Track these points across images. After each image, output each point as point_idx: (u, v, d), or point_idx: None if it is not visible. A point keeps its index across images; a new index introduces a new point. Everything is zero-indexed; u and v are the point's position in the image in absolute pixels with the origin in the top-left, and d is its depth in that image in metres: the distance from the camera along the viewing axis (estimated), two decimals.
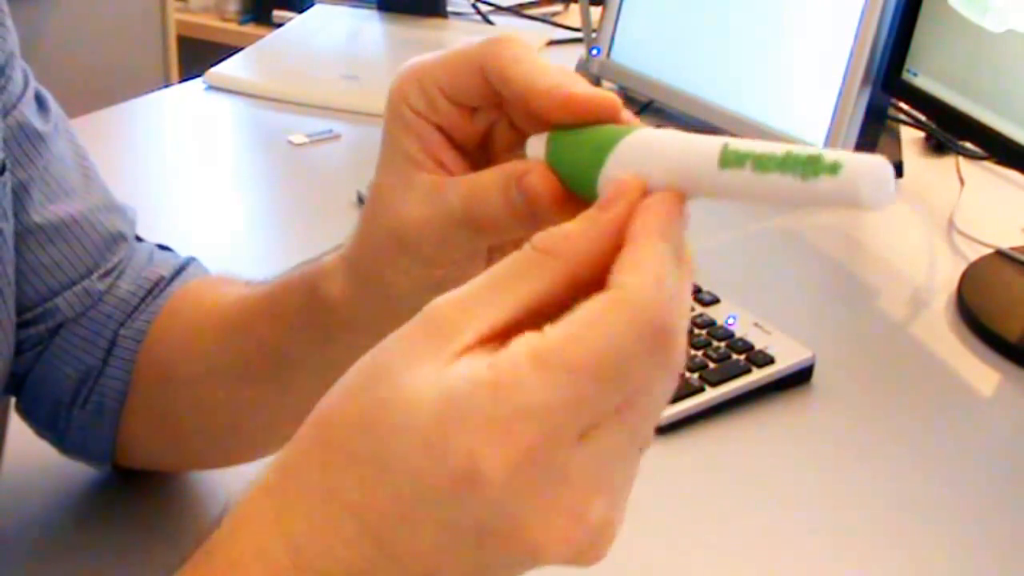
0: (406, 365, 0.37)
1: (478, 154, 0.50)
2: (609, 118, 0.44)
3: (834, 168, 0.36)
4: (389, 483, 0.37)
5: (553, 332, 0.36)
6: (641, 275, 0.36)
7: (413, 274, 0.50)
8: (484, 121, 0.49)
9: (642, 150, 0.41)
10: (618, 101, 0.44)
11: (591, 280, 0.38)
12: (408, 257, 0.50)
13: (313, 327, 0.58)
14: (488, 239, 0.48)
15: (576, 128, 0.44)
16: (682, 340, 0.37)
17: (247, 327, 0.62)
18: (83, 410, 0.68)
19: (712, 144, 0.39)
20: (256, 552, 0.38)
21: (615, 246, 0.38)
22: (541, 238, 0.39)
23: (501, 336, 0.37)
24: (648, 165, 0.41)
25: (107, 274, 0.68)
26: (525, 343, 0.36)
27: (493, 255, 0.50)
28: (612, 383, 0.36)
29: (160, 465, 0.74)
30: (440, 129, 0.49)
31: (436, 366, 0.37)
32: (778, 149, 0.38)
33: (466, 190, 0.47)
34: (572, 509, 0.36)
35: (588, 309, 0.36)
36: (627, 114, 0.44)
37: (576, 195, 0.44)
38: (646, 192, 0.39)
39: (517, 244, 0.43)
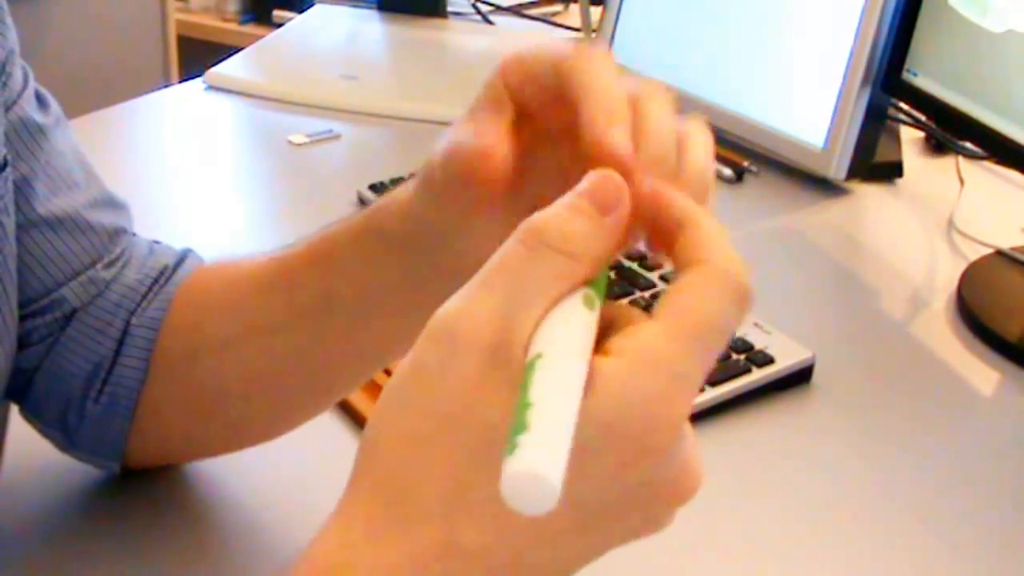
0: (488, 404, 0.39)
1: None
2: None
3: (510, 447, 0.35)
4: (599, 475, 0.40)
5: (670, 309, 0.40)
6: (721, 249, 0.42)
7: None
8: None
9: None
10: (627, 165, 0.44)
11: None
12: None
13: (365, 258, 0.60)
14: None
15: None
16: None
17: (289, 273, 0.64)
18: (96, 403, 0.68)
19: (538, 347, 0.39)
20: None
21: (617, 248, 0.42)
22: (566, 240, 0.40)
23: None
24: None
25: (111, 264, 0.69)
26: (650, 327, 0.40)
27: None
28: (724, 342, 0.41)
29: (177, 454, 0.74)
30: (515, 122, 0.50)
31: (513, 387, 0.38)
32: (533, 394, 0.37)
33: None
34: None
35: (694, 284, 0.41)
36: (646, 182, 0.44)
37: None
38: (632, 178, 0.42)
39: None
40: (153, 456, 0.72)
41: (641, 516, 0.43)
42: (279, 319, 0.64)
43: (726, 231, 0.42)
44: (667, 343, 0.39)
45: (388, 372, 0.83)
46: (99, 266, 0.68)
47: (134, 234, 0.72)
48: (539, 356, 0.38)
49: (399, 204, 0.59)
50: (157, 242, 0.73)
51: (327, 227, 0.62)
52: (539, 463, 0.35)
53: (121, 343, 0.68)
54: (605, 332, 0.41)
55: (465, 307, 0.40)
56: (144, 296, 0.69)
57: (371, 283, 0.60)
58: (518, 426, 0.36)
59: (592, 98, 0.46)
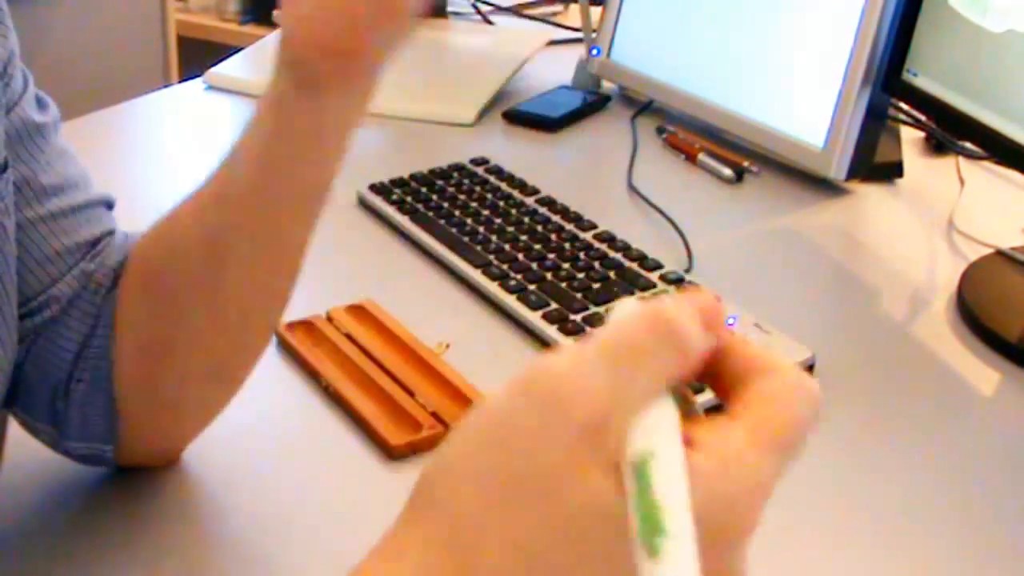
0: (574, 483, 0.37)
1: None
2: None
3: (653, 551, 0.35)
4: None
5: (754, 413, 0.40)
6: (783, 359, 0.41)
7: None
8: None
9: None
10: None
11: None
12: None
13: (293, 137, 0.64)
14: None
15: None
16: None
17: (225, 182, 0.67)
18: (80, 383, 0.69)
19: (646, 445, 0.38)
20: None
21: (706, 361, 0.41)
22: (682, 336, 0.39)
23: None
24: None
25: (95, 256, 0.70)
26: (735, 429, 0.39)
27: None
28: (802, 449, 0.41)
29: (161, 436, 0.74)
30: None
31: (605, 472, 0.37)
32: (659, 497, 0.36)
33: None
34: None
35: (775, 391, 0.40)
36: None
37: None
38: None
39: None
40: (143, 442, 0.72)
41: None
42: (222, 214, 0.67)
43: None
44: (753, 448, 0.39)
45: (395, 379, 0.83)
46: (85, 260, 0.69)
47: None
48: (652, 455, 0.37)
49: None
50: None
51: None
52: (688, 571, 0.36)
53: (97, 318, 0.69)
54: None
55: (576, 372, 0.37)
56: (119, 276, 0.70)
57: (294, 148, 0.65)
58: (653, 528, 0.36)
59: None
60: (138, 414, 0.71)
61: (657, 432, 0.38)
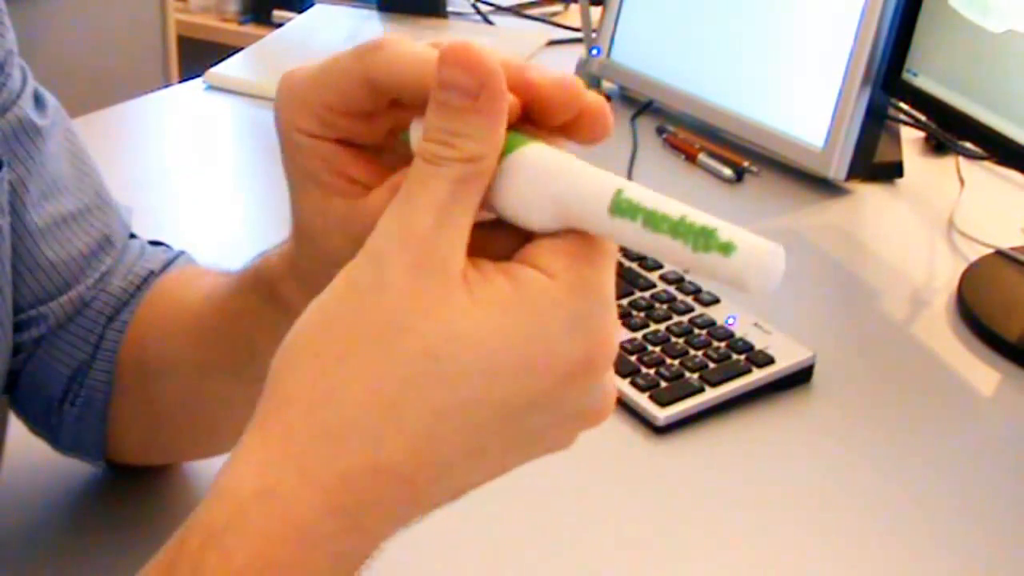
0: (424, 315, 0.38)
1: (393, 146, 0.48)
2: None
3: (726, 248, 0.35)
4: (478, 421, 0.39)
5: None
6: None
7: None
8: (386, 120, 0.46)
9: (533, 168, 0.40)
10: (504, 105, 0.41)
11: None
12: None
13: (275, 321, 0.57)
14: None
15: None
16: None
17: (216, 323, 0.62)
18: (73, 407, 0.68)
19: (607, 186, 0.38)
20: (260, 487, 0.38)
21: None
22: (460, 148, 0.39)
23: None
24: (536, 185, 0.39)
25: (96, 282, 0.68)
26: (562, 255, 0.40)
27: None
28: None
29: (150, 458, 0.74)
30: (342, 142, 0.46)
31: (457, 298, 0.38)
32: (674, 211, 0.36)
33: (367, 218, 0.43)
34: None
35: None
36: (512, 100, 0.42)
37: None
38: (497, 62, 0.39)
39: None
40: (132, 455, 0.72)
41: (556, 435, 0.42)
42: (207, 361, 0.63)
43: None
44: (582, 268, 0.40)
45: None
46: (82, 285, 0.67)
47: (133, 235, 0.72)
48: (617, 190, 0.38)
49: (283, 268, 0.56)
50: (157, 242, 0.73)
51: (255, 264, 0.59)
52: (758, 240, 0.36)
53: (97, 348, 0.68)
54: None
55: (388, 226, 0.39)
56: (125, 304, 0.68)
57: (277, 331, 0.59)
58: (695, 233, 0.36)
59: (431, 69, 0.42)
60: (132, 448, 0.72)
61: (579, 176, 0.39)
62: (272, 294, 0.56)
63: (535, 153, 0.40)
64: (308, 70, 0.46)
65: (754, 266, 0.35)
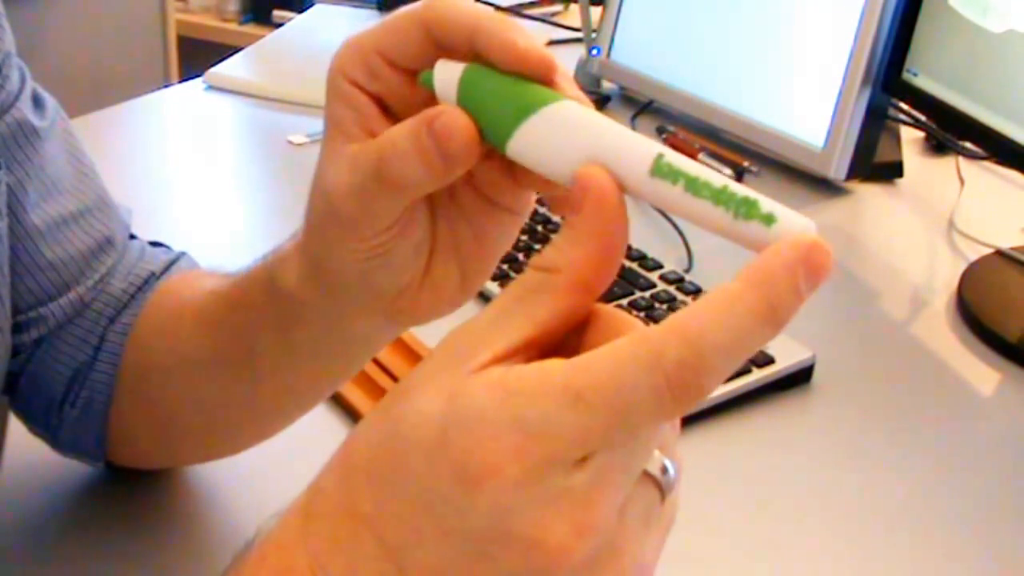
0: (423, 385, 0.37)
1: None
2: (544, 78, 0.42)
3: (768, 219, 0.37)
4: (399, 494, 0.37)
5: (573, 358, 0.36)
6: (670, 323, 0.35)
7: (348, 248, 0.50)
8: (425, 89, 0.47)
9: (569, 124, 0.40)
10: (555, 64, 0.43)
11: (597, 289, 0.38)
12: (339, 229, 0.49)
13: (275, 315, 0.58)
14: (404, 194, 0.47)
15: (498, 70, 0.43)
16: (698, 396, 0.35)
17: (218, 316, 0.63)
18: (73, 408, 0.68)
19: (648, 149, 0.38)
20: (282, 571, 0.38)
21: (609, 249, 0.38)
22: (539, 257, 0.38)
23: (517, 356, 0.37)
24: (572, 142, 0.40)
25: (96, 283, 0.68)
26: (539, 362, 0.36)
27: (439, 229, 0.51)
28: (613, 419, 0.35)
29: (150, 461, 0.74)
30: (379, 100, 0.48)
31: (452, 383, 0.36)
32: (715, 179, 0.37)
33: (378, 145, 0.46)
34: (572, 519, 0.35)
35: (610, 343, 0.36)
36: (562, 79, 0.43)
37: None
38: (621, 192, 0.38)
39: (455, 216, 0.49)
40: (131, 458, 0.72)
41: None
42: (208, 357, 0.63)
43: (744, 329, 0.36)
44: (539, 383, 0.35)
45: (396, 379, 0.83)
46: (82, 287, 0.67)
47: (133, 236, 0.72)
48: (662, 155, 0.38)
49: (288, 252, 0.56)
50: (157, 243, 0.73)
51: (265, 257, 0.59)
52: (799, 214, 0.37)
53: (98, 349, 0.68)
54: (565, 331, 0.38)
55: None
56: (126, 305, 0.68)
57: (290, 330, 0.58)
58: (746, 199, 0.37)
59: (489, 18, 0.44)
60: (134, 451, 0.72)
61: (620, 136, 0.39)
62: (276, 284, 0.56)
63: (572, 108, 0.40)
64: (375, 23, 0.48)
65: (793, 237, 0.37)
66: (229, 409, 0.66)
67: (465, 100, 0.43)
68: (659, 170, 0.38)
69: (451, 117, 0.43)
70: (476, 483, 0.35)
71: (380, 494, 0.37)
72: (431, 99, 0.45)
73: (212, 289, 0.64)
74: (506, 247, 0.52)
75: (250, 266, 0.60)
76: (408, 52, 0.47)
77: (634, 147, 0.39)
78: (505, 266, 0.97)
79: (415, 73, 0.46)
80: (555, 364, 0.36)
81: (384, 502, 0.37)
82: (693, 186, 0.37)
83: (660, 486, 0.38)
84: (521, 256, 0.98)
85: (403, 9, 0.47)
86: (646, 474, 0.38)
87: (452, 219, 0.51)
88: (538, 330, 0.37)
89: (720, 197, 0.37)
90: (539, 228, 1.03)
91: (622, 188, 0.38)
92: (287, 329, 0.58)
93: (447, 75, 0.44)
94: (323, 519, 0.38)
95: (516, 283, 0.38)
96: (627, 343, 0.35)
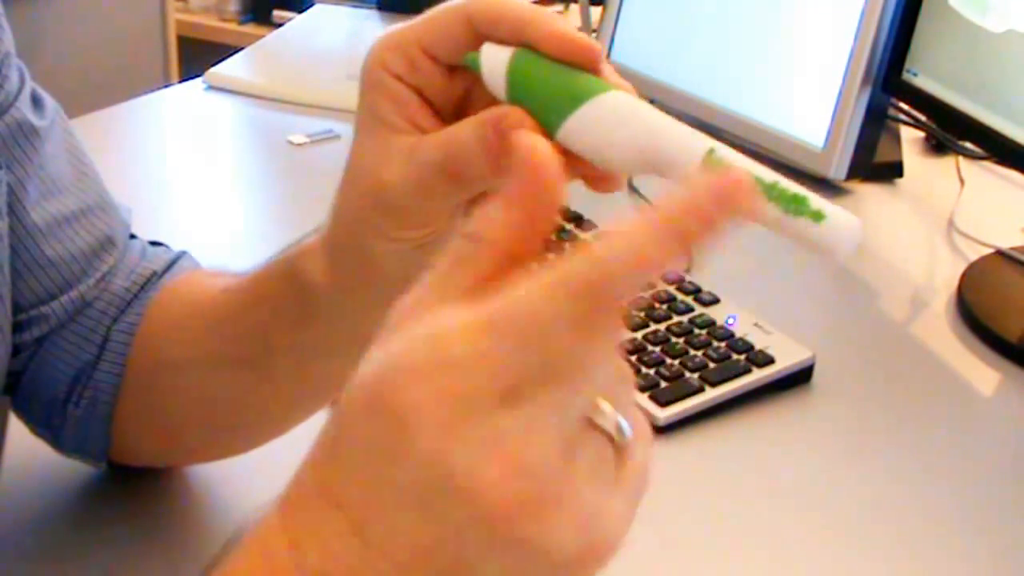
0: (365, 358, 0.38)
1: (455, 119, 0.49)
2: (593, 67, 0.44)
3: (817, 216, 0.38)
4: (358, 465, 0.37)
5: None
6: (577, 249, 0.37)
7: (395, 237, 0.51)
8: (463, 82, 0.49)
9: (621, 113, 0.41)
10: (601, 54, 0.44)
11: (523, 257, 0.38)
12: (389, 219, 0.50)
13: (295, 311, 0.58)
14: (467, 190, 0.49)
15: (546, 58, 0.43)
16: (613, 315, 0.36)
17: (233, 313, 0.63)
18: (77, 407, 0.68)
19: (700, 142, 0.39)
20: (261, 551, 0.39)
21: (533, 216, 0.38)
22: (468, 224, 0.39)
23: None
24: (625, 131, 0.40)
25: (98, 281, 0.68)
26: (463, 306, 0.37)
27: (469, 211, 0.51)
28: (526, 343, 0.35)
29: (155, 460, 0.74)
30: (419, 92, 0.49)
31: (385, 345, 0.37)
32: (767, 175, 0.38)
33: (443, 141, 0.47)
34: (503, 461, 0.35)
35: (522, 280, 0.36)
36: (607, 69, 0.44)
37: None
38: (555, 160, 0.38)
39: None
40: (136, 457, 0.72)
41: (435, 532, 0.36)
42: (222, 352, 0.64)
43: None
44: (455, 323, 0.36)
45: None
46: (84, 285, 0.67)
47: (133, 235, 0.72)
48: (714, 148, 0.39)
49: (313, 245, 0.57)
50: (157, 243, 0.73)
51: (286, 251, 0.60)
52: (846, 212, 0.38)
53: (102, 349, 0.68)
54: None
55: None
56: (129, 304, 0.68)
57: (307, 326, 0.59)
58: (796, 195, 0.38)
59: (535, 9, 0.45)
60: (141, 450, 0.72)
61: (673, 127, 0.40)
62: (300, 277, 0.57)
63: (624, 98, 0.41)
64: (416, 18, 0.49)
65: (842, 235, 0.38)
66: (241, 408, 0.66)
67: (514, 85, 0.44)
68: (710, 163, 0.38)
69: (517, 118, 0.44)
70: (407, 428, 0.35)
71: (343, 470, 0.37)
72: (468, 91, 0.47)
73: (225, 287, 0.64)
74: None
75: (266, 263, 0.61)
76: (450, 46, 0.48)
77: (686, 140, 0.39)
78: None
79: (453, 66, 0.48)
80: (477, 305, 0.36)
81: (348, 478, 0.37)
82: None
83: (613, 440, 0.39)
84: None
85: (444, 4, 0.48)
86: (594, 425, 0.38)
87: None
88: (471, 296, 0.38)
89: (771, 192, 0.38)
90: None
91: (672, 179, 0.39)
92: (304, 325, 0.58)
93: (494, 59, 0.45)
94: (299, 503, 0.39)
95: (449, 250, 0.39)
96: (536, 273, 0.36)
